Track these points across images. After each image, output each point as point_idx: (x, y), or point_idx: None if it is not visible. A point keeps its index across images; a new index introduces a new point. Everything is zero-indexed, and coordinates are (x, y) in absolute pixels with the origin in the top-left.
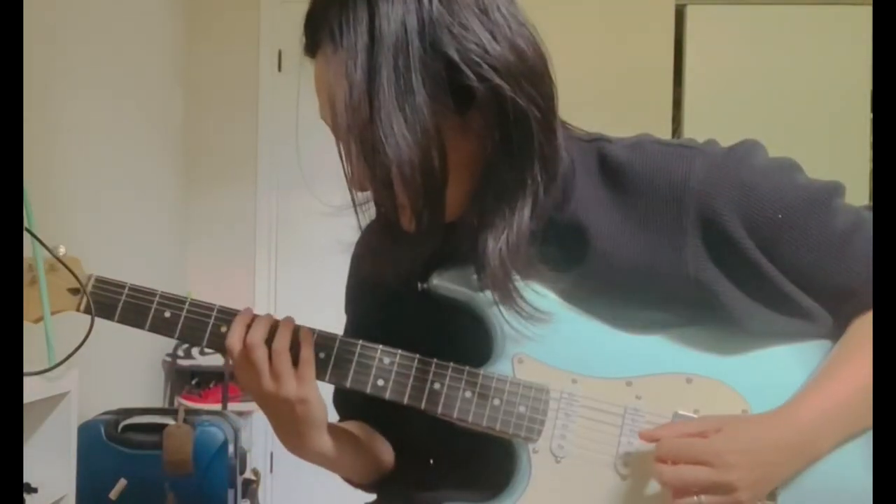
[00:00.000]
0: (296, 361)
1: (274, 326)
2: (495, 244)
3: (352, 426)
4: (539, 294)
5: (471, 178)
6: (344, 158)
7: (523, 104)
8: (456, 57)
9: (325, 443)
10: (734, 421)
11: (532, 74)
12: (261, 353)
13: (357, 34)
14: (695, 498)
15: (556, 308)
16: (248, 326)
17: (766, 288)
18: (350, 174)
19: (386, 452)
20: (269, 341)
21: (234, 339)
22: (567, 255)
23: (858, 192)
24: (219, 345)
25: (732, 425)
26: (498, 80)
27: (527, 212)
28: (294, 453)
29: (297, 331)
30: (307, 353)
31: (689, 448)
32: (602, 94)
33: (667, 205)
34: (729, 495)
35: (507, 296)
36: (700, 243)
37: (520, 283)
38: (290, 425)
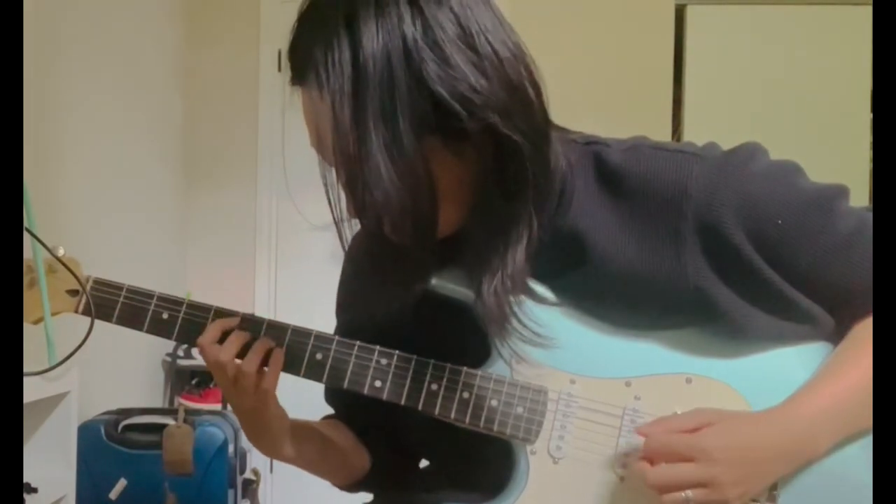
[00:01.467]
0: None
1: (248, 344)
2: (490, 284)
3: (326, 428)
4: (539, 318)
5: (464, 198)
6: (331, 195)
7: (516, 138)
8: (444, 95)
9: (286, 448)
10: (728, 416)
11: (523, 107)
12: (229, 370)
13: (343, 76)
14: (682, 495)
15: (555, 316)
16: (225, 332)
17: (767, 294)
18: (337, 207)
19: (357, 456)
20: (241, 355)
21: (205, 339)
22: (566, 259)
23: (858, 192)
24: None
25: (725, 421)
26: (489, 118)
27: (521, 248)
28: (262, 451)
29: (269, 352)
30: (272, 379)
31: (672, 445)
32: (602, 94)
33: (665, 212)
34: (714, 491)
35: (505, 327)
36: (699, 251)
37: (518, 310)
38: (254, 425)
